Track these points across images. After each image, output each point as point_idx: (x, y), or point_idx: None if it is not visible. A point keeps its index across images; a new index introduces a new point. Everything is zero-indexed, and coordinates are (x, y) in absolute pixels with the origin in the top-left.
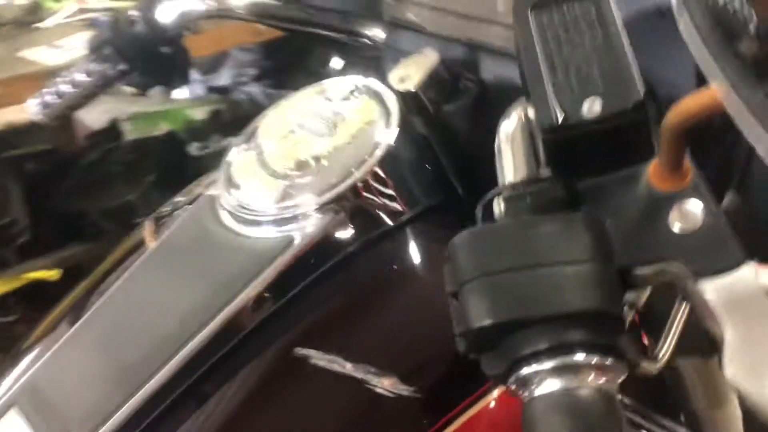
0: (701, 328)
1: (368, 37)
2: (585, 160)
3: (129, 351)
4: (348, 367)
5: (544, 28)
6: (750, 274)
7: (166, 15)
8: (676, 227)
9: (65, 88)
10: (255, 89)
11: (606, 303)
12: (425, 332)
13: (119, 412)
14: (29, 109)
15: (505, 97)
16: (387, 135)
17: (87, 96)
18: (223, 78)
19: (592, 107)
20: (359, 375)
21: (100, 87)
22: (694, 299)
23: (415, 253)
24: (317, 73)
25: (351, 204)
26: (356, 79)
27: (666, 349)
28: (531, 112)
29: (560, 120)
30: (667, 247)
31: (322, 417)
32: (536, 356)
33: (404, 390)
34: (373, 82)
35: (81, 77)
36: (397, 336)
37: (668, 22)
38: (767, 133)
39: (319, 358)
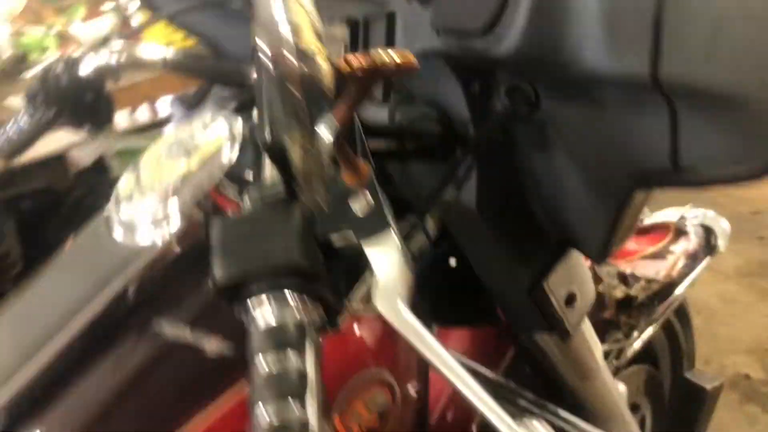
0: None
1: None
2: None
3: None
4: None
5: None
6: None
7: (84, 68)
8: (356, 209)
9: (9, 133)
10: None
11: (304, 259)
12: None
13: None
14: None
15: None
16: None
17: (27, 141)
18: (207, 112)
19: None
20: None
21: (37, 131)
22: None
23: None
24: None
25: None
26: (216, 113)
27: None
28: None
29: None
30: (348, 221)
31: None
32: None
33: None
34: (228, 115)
35: (20, 124)
36: None
37: None
38: None
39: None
